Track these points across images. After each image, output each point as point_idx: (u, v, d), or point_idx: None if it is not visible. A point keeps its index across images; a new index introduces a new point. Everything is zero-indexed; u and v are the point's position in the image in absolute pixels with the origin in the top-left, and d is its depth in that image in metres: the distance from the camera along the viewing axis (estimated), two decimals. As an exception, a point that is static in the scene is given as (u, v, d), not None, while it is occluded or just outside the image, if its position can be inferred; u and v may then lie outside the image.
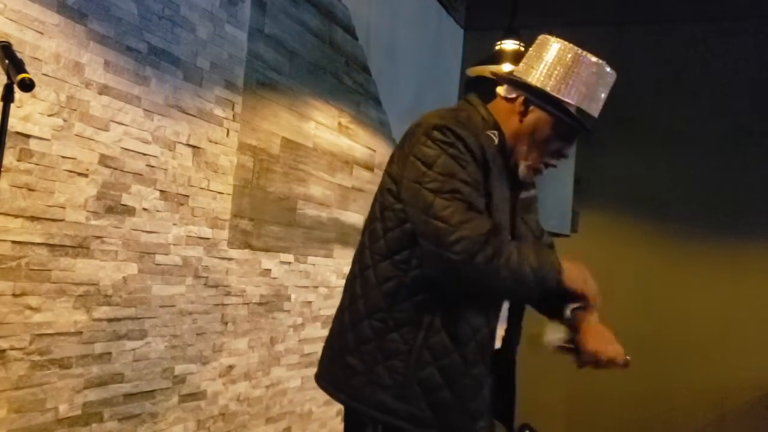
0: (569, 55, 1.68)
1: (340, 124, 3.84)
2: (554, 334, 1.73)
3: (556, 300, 1.73)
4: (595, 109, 1.71)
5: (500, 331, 1.85)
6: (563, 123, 1.68)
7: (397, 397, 1.64)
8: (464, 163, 1.60)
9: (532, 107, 1.70)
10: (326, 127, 3.71)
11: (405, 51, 4.62)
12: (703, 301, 4.73)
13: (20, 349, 2.15)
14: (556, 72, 1.68)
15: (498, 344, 1.84)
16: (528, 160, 1.73)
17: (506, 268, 1.56)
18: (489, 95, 1.79)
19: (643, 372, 4.83)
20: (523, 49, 4.04)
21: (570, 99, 1.67)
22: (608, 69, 1.71)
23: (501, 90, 1.77)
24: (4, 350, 2.10)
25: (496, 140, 1.70)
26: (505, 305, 1.86)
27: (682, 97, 4.83)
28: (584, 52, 1.69)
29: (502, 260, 1.55)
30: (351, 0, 3.91)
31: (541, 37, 1.75)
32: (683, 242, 4.78)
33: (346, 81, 3.91)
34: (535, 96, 1.69)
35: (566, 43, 1.71)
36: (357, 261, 1.80)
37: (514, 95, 1.73)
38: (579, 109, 1.68)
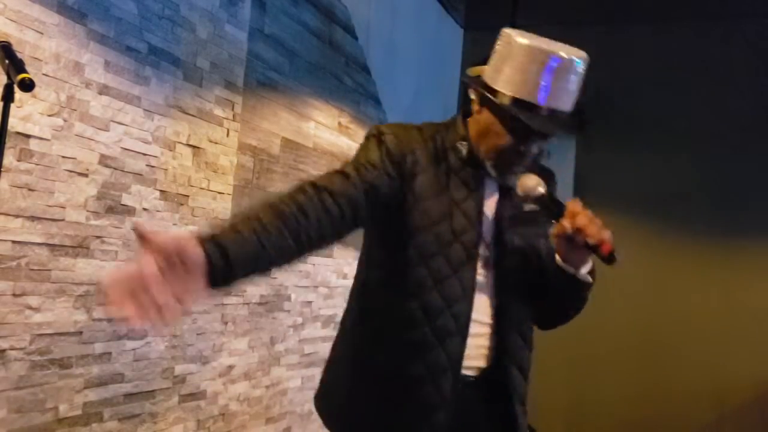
0: (504, 40, 1.54)
1: (340, 124, 3.84)
2: (530, 181, 1.56)
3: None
4: (536, 98, 1.50)
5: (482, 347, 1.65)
6: (506, 117, 1.54)
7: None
8: (364, 152, 1.59)
9: (483, 106, 1.60)
10: (326, 127, 3.71)
11: (405, 50, 4.61)
12: (702, 301, 4.73)
13: (20, 348, 2.15)
14: (493, 61, 1.55)
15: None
16: (490, 159, 1.60)
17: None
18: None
19: (642, 372, 4.83)
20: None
21: (504, 89, 1.52)
22: (552, 53, 1.49)
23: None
24: (4, 350, 2.10)
25: (464, 150, 1.62)
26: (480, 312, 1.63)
27: (681, 96, 4.83)
28: (520, 35, 1.52)
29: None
30: (351, 0, 3.91)
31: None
32: (683, 242, 4.78)
33: (346, 81, 3.91)
34: (476, 89, 1.60)
35: (510, 30, 1.55)
36: None
37: (473, 97, 1.64)
38: (517, 100, 1.51)
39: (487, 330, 1.64)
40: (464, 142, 1.63)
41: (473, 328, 1.61)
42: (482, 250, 1.62)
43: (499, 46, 1.57)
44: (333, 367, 1.75)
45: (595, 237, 1.48)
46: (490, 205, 1.64)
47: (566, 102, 1.54)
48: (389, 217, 1.58)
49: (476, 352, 1.63)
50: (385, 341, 1.62)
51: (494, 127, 1.57)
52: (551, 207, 1.56)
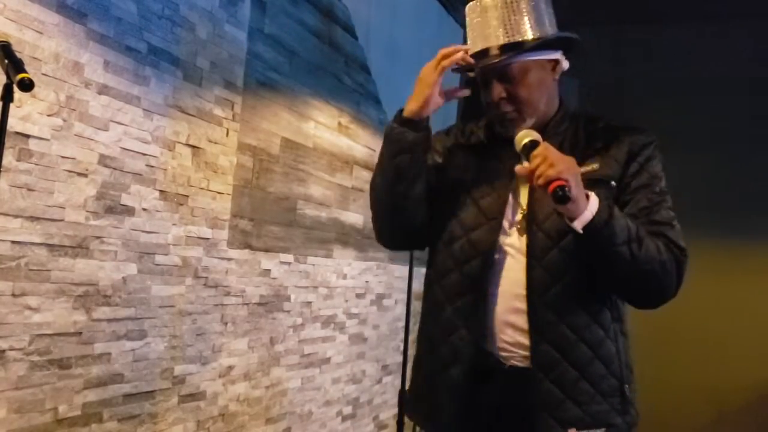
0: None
1: (340, 124, 3.83)
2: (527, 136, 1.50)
3: None
4: (476, 46, 1.59)
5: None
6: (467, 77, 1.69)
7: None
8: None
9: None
10: (326, 127, 3.70)
11: (405, 50, 4.61)
12: (702, 300, 4.73)
13: (20, 349, 2.14)
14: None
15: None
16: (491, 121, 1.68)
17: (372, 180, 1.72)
18: None
19: (642, 371, 4.83)
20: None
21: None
22: (470, 4, 1.62)
23: None
24: (3, 350, 2.09)
25: (481, 132, 1.73)
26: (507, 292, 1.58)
27: (681, 96, 4.83)
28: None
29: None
30: (350, 0, 3.90)
31: None
32: (685, 241, 4.78)
33: (346, 81, 3.90)
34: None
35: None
36: None
37: None
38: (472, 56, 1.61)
39: (521, 306, 1.54)
40: (482, 122, 1.73)
41: (502, 302, 1.55)
42: (513, 216, 1.59)
43: None
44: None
45: (542, 176, 1.38)
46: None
47: (502, 36, 1.56)
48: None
49: (509, 332, 1.55)
50: (423, 302, 1.74)
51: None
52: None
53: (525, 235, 1.56)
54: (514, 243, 1.58)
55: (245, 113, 3.10)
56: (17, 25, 2.07)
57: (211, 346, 2.95)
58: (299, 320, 3.54)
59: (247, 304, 3.16)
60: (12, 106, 1.70)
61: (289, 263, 3.46)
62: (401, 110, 1.66)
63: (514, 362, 1.56)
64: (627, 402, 1.58)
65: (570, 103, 1.69)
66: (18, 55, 1.76)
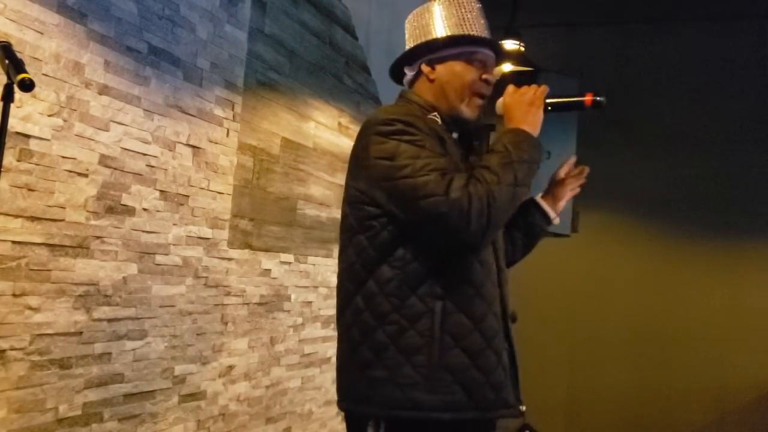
0: (417, 15, 1.89)
1: (340, 124, 3.84)
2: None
3: None
4: (483, 32, 1.79)
5: None
6: (464, 53, 1.76)
7: (429, 391, 1.61)
8: (421, 143, 1.62)
9: (433, 66, 1.78)
10: (326, 127, 3.71)
11: (405, 51, 4.61)
12: (702, 300, 4.74)
13: (20, 349, 2.15)
14: (416, 33, 1.85)
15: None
16: (464, 100, 1.76)
17: (498, 185, 1.58)
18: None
19: (642, 371, 4.83)
20: (523, 49, 4.05)
21: (456, 30, 1.77)
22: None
23: (408, 75, 1.84)
24: (4, 350, 2.10)
25: (439, 120, 1.74)
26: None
27: (681, 96, 4.83)
28: (428, 4, 1.82)
29: (492, 185, 1.58)
30: (350, 0, 3.91)
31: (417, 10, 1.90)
32: (683, 242, 4.78)
33: (346, 81, 3.91)
34: (428, 50, 1.78)
35: (416, 9, 1.87)
36: (348, 278, 1.72)
37: (414, 70, 1.82)
38: (472, 36, 1.77)
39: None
40: (435, 113, 1.76)
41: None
42: None
43: (415, 22, 1.88)
44: (395, 358, 1.64)
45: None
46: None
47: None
48: None
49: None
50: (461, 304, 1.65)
51: (457, 72, 1.76)
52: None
53: None
54: None
55: (245, 113, 3.10)
56: (18, 26, 2.08)
57: (211, 346, 2.96)
58: (299, 320, 3.55)
59: (247, 303, 3.16)
60: (12, 106, 1.70)
61: (290, 263, 3.46)
62: (530, 133, 1.71)
63: None
64: None
65: None
66: (18, 55, 1.76)
